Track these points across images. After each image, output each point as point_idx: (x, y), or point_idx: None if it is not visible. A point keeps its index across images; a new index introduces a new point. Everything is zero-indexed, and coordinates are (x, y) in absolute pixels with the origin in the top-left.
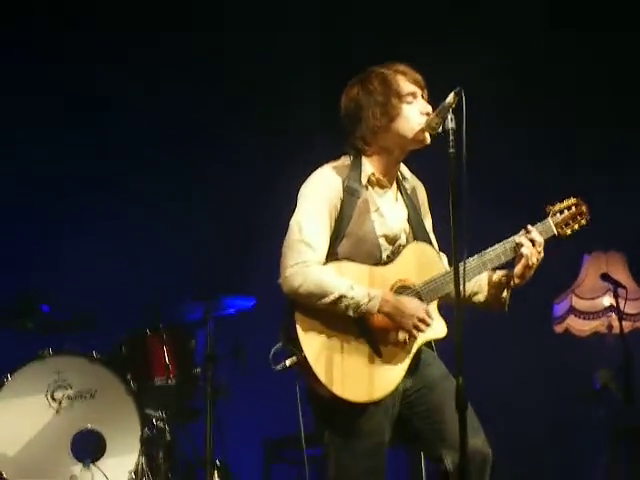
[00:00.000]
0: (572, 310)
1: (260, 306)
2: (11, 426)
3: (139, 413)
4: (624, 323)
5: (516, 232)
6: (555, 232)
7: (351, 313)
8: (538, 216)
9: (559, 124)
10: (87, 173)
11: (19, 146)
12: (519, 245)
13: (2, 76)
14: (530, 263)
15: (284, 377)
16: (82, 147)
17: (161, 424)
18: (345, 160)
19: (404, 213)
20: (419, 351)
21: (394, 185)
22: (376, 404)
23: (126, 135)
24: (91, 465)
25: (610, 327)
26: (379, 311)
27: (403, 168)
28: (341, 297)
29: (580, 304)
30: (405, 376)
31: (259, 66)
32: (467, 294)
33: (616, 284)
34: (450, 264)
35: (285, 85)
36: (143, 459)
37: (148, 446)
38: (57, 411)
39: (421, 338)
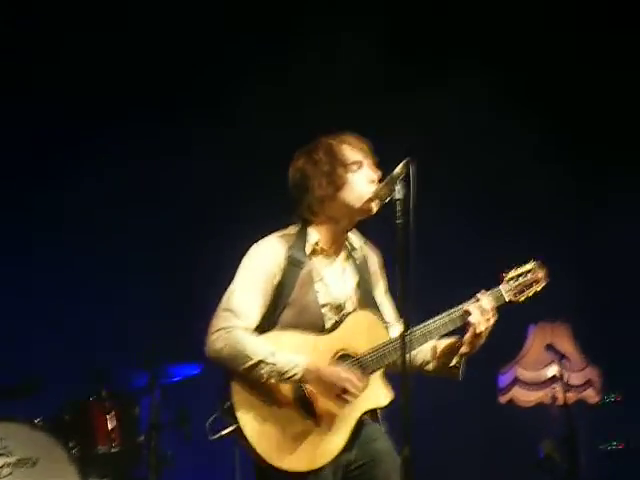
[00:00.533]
0: (517, 381)
1: (206, 374)
2: None
3: None
4: (568, 394)
5: (468, 299)
6: (506, 300)
7: (274, 380)
8: (493, 282)
9: (505, 192)
10: (26, 233)
11: None
12: (467, 313)
13: None
14: (478, 331)
15: (230, 446)
16: (29, 208)
17: None
18: (292, 229)
19: (352, 282)
20: (361, 422)
21: (342, 254)
22: (316, 475)
23: (76, 195)
24: None
25: (554, 398)
26: (301, 381)
27: (353, 237)
28: (260, 362)
29: (525, 375)
30: (347, 447)
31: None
32: (418, 363)
33: (561, 355)
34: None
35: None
36: None
37: None
38: None
39: (362, 407)
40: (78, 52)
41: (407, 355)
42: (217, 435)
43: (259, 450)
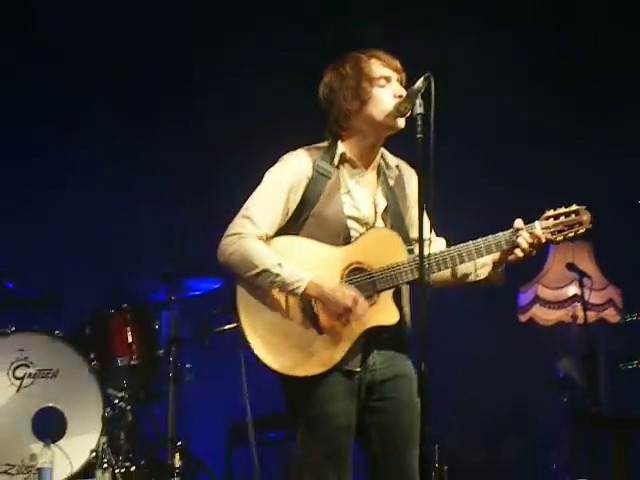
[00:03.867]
0: (537, 299)
1: (226, 288)
2: None
3: (101, 393)
4: (589, 313)
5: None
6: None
7: (277, 290)
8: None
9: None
10: (49, 156)
11: None
12: (515, 242)
13: None
14: (521, 256)
15: (249, 361)
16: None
17: (123, 404)
18: (323, 144)
19: (383, 202)
20: (381, 340)
21: (373, 173)
22: (322, 381)
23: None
24: (52, 444)
25: (575, 317)
26: (305, 294)
27: (388, 156)
28: (264, 271)
29: (545, 293)
30: (363, 364)
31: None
32: (458, 275)
33: (582, 274)
34: (448, 246)
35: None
36: (104, 439)
37: (110, 426)
38: (18, 389)
39: (367, 323)
40: None
41: (427, 275)
42: (219, 329)
43: (254, 348)
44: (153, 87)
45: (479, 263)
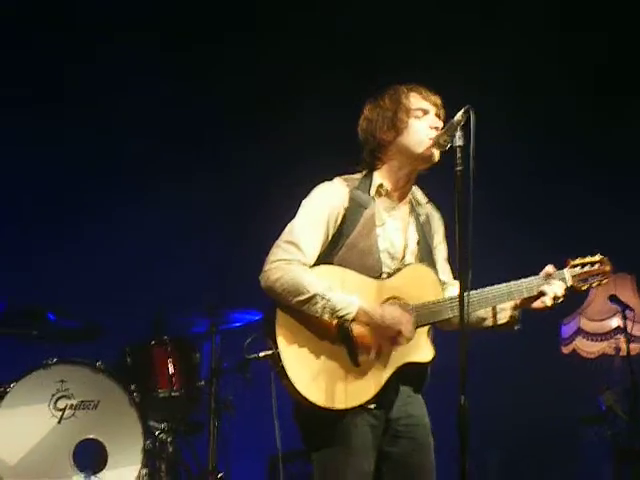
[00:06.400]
0: (580, 331)
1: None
2: (13, 434)
3: (142, 424)
4: (632, 345)
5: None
6: (568, 284)
7: (327, 317)
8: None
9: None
10: (94, 184)
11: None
12: (541, 293)
13: None
14: (545, 306)
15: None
16: (89, 159)
17: (164, 436)
18: (357, 175)
19: (414, 236)
20: (403, 376)
21: (406, 208)
22: (354, 422)
23: (132, 146)
24: (92, 476)
25: (618, 349)
26: (355, 319)
27: (419, 194)
28: (315, 296)
29: (588, 325)
30: (386, 403)
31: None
32: (473, 320)
33: (624, 306)
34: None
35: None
36: (145, 471)
37: (150, 458)
38: (59, 420)
39: (403, 359)
40: None
41: (465, 311)
42: (253, 355)
43: (290, 376)
44: (198, 126)
45: (498, 308)
